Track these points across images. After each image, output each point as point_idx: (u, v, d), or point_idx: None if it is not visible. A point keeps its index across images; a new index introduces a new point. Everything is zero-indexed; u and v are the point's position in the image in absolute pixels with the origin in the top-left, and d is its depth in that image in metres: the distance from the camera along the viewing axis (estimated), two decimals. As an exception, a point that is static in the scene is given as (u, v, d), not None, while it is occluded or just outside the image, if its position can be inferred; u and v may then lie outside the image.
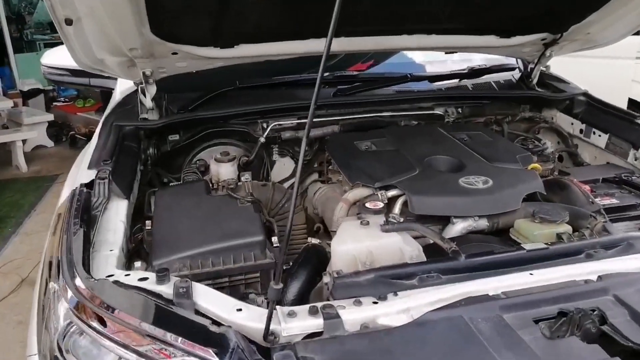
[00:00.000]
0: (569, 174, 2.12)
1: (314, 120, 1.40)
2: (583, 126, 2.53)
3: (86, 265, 1.30)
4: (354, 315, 1.20)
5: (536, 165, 2.07)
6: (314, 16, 1.75)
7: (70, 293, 1.21)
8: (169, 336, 1.10)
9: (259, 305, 1.30)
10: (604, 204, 1.85)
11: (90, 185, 1.68)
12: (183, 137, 2.34)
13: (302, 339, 1.15)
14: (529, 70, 2.75)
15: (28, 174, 6.04)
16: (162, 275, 1.26)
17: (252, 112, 2.36)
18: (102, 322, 1.15)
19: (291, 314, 1.18)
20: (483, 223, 1.74)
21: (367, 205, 1.71)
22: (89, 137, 2.84)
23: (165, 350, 1.09)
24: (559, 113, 2.69)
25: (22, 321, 3.19)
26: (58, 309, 1.25)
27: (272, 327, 1.13)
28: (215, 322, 1.15)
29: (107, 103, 2.72)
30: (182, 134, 2.34)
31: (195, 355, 1.07)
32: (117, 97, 2.55)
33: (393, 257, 1.49)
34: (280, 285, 1.10)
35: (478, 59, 2.94)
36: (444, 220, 1.77)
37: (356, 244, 1.50)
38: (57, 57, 3.42)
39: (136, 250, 1.63)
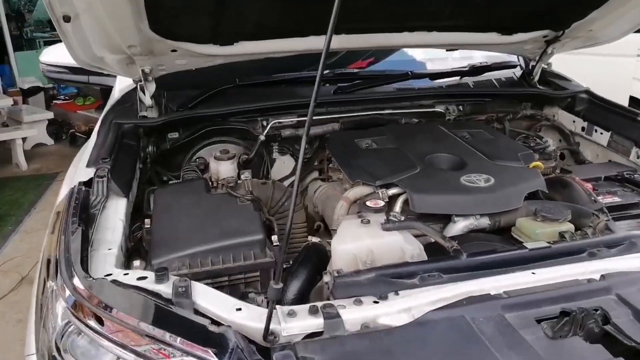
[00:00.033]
0: (570, 172, 2.11)
1: (314, 118, 1.39)
2: (585, 124, 2.52)
3: (84, 264, 1.29)
4: (355, 314, 1.19)
5: (538, 163, 2.06)
6: (314, 13, 1.73)
7: (68, 292, 1.21)
8: (168, 336, 1.09)
9: (258, 305, 1.29)
10: (607, 202, 1.84)
11: (88, 183, 1.67)
12: (182, 135, 2.33)
13: (302, 339, 1.14)
14: (530, 67, 2.73)
15: (28, 172, 6.04)
16: (161, 275, 1.26)
17: (252, 110, 2.35)
18: (100, 321, 1.14)
19: (291, 314, 1.17)
20: (485, 222, 1.73)
21: (368, 203, 1.70)
22: (89, 135, 2.82)
23: (164, 350, 1.09)
24: (560, 111, 2.68)
25: (22, 319, 3.19)
26: (56, 309, 1.24)
27: (272, 326, 1.13)
28: (215, 322, 1.14)
29: (107, 101, 2.71)
30: (182, 131, 2.33)
31: (194, 355, 1.07)
32: (116, 94, 2.54)
33: (394, 256, 1.48)
34: (280, 285, 1.09)
35: (479, 57, 2.92)
36: (445, 219, 1.76)
37: (357, 242, 1.49)
38: (56, 55, 3.39)
39: (135, 249, 1.62)
